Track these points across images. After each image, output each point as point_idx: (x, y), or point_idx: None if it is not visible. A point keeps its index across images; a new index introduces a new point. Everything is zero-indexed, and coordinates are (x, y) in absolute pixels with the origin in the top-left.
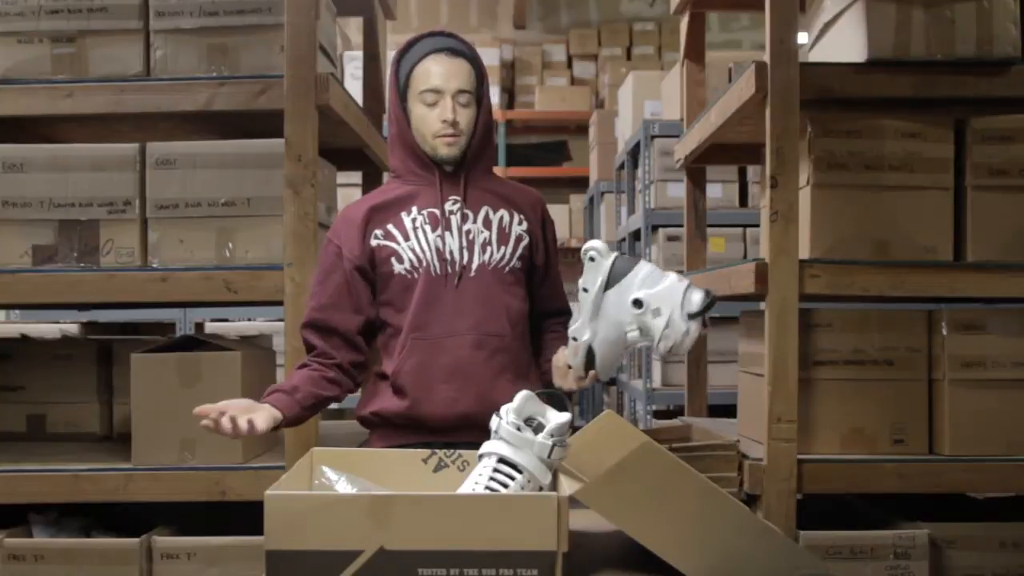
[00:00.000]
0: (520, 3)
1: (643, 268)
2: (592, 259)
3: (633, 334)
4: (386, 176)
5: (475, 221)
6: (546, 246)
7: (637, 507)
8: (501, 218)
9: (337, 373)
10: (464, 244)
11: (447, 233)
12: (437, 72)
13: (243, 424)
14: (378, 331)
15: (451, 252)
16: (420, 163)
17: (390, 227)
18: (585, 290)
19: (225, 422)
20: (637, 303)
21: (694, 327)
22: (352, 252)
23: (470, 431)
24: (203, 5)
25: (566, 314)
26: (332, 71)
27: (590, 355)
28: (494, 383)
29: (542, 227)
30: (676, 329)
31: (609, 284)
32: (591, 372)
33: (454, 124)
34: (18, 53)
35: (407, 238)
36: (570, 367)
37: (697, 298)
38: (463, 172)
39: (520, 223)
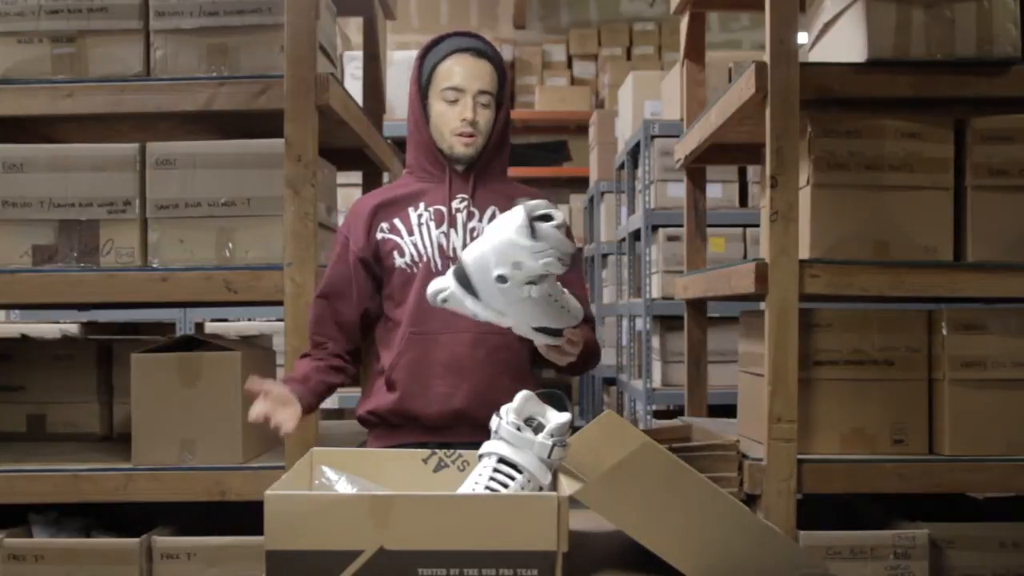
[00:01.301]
0: (520, 3)
1: (472, 254)
2: (446, 300)
3: (534, 291)
4: (386, 176)
5: (481, 220)
6: None
7: (637, 507)
8: None
9: (338, 360)
10: (468, 242)
11: (452, 230)
12: (460, 71)
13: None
14: (377, 323)
15: (454, 249)
16: (433, 161)
17: (396, 221)
18: (476, 316)
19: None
20: (501, 279)
21: (548, 230)
22: (357, 244)
23: (466, 429)
24: (203, 5)
25: (589, 320)
26: (332, 71)
27: (545, 331)
28: (491, 381)
29: None
30: (540, 251)
31: (476, 295)
32: (565, 330)
33: (473, 123)
34: (18, 53)
35: (411, 233)
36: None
37: (519, 215)
38: (474, 171)
39: None
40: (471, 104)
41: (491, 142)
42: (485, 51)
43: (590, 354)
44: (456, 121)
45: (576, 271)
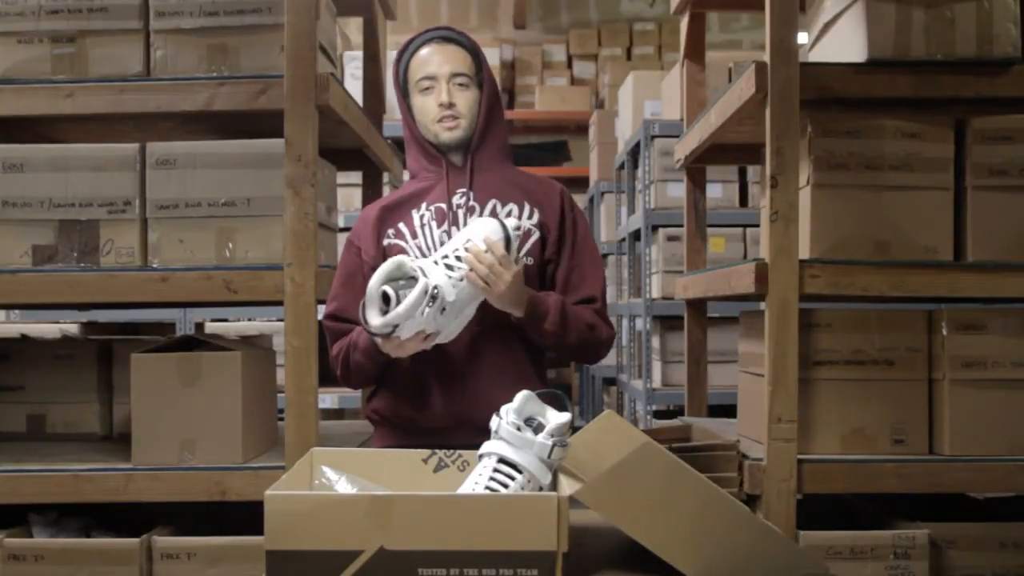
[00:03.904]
0: (520, 3)
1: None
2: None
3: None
4: (386, 176)
5: (481, 214)
6: (562, 236)
7: (637, 507)
8: (509, 212)
9: None
10: None
11: (453, 228)
12: (430, 59)
13: None
14: None
15: None
16: (429, 158)
17: (400, 226)
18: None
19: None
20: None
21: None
22: (369, 253)
23: (467, 431)
24: (203, 5)
25: (594, 303)
26: (332, 71)
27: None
28: (492, 380)
29: (560, 217)
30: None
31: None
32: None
33: (451, 106)
34: (18, 53)
35: (414, 236)
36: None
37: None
38: (469, 160)
39: (531, 216)
40: (446, 88)
41: (479, 125)
42: (452, 36)
43: (581, 332)
44: (435, 108)
45: (586, 253)
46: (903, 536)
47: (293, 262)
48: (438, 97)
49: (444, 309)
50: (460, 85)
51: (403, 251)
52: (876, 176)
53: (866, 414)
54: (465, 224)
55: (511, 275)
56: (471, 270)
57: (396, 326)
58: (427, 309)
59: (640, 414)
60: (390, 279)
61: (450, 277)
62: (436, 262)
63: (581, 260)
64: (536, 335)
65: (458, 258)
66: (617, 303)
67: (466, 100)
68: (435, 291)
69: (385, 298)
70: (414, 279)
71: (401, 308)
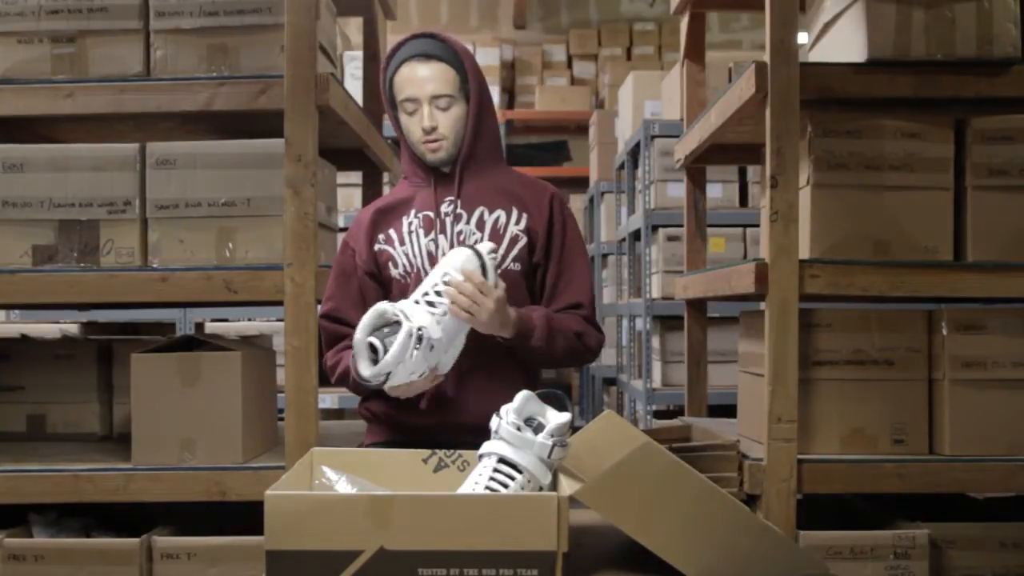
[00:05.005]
0: (520, 3)
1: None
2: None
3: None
4: (386, 176)
5: (468, 222)
6: (550, 240)
7: (637, 507)
8: (497, 219)
9: None
10: (456, 245)
11: (441, 236)
12: (411, 80)
13: None
14: None
15: (443, 255)
16: (419, 165)
17: (391, 231)
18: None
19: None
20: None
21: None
22: (362, 257)
23: (453, 433)
24: (203, 5)
25: (581, 309)
26: (332, 71)
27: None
28: (480, 387)
29: (549, 222)
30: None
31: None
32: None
33: (433, 130)
34: (18, 53)
35: (402, 242)
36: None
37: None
38: (458, 170)
39: (518, 222)
40: (427, 112)
41: (466, 139)
42: (433, 52)
43: (569, 341)
44: (418, 131)
45: (574, 258)
46: (903, 536)
47: (293, 262)
48: (421, 121)
49: (433, 347)
50: (442, 108)
51: (391, 257)
52: (876, 176)
53: (866, 414)
54: (451, 232)
55: (493, 301)
56: (452, 303)
57: (388, 373)
58: (415, 352)
59: (640, 414)
60: (374, 329)
61: (433, 314)
62: (417, 301)
63: (569, 265)
64: (524, 353)
65: (438, 293)
66: (617, 303)
67: (449, 121)
68: (420, 332)
69: (373, 349)
70: (399, 323)
71: (389, 357)
